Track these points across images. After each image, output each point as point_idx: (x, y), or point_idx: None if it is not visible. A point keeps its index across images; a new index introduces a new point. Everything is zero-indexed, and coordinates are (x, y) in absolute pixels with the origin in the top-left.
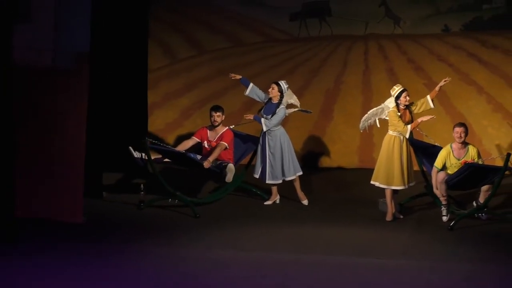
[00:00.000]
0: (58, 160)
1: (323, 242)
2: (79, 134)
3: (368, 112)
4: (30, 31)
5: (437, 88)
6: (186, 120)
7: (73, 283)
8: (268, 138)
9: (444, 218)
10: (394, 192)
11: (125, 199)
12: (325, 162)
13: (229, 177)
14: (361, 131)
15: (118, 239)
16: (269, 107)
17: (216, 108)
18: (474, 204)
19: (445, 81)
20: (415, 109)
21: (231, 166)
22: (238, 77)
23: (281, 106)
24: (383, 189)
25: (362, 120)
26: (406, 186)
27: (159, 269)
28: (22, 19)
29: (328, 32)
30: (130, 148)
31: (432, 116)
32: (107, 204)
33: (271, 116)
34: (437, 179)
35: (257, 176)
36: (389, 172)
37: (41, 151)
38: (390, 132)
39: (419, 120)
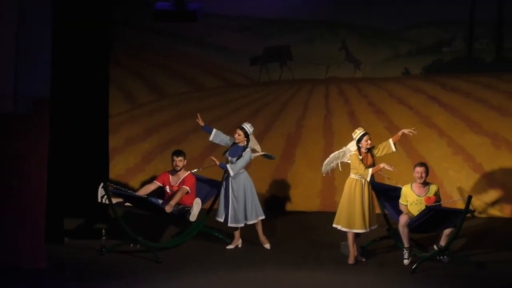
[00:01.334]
0: (19, 205)
1: (285, 287)
2: (40, 178)
3: (330, 156)
4: None
5: (400, 133)
6: (148, 165)
7: None
8: (231, 181)
9: (405, 261)
10: (356, 235)
11: (87, 245)
12: (287, 205)
13: (195, 213)
14: (323, 175)
15: (80, 285)
16: (235, 150)
17: (178, 153)
18: (435, 247)
19: (410, 131)
20: (377, 153)
21: (197, 200)
22: (201, 123)
23: (247, 150)
24: (345, 232)
25: (324, 163)
26: (368, 230)
27: None
28: None
29: (289, 76)
30: (100, 186)
31: (393, 169)
32: (69, 250)
33: (237, 159)
34: (400, 222)
35: (221, 219)
36: (350, 216)
37: (3, 195)
38: (352, 176)
39: (381, 165)
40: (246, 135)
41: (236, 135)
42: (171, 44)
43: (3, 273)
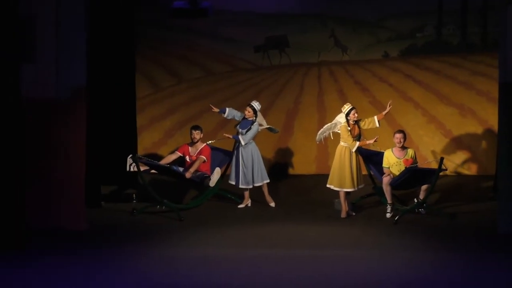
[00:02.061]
0: (62, 176)
1: (287, 238)
2: (79, 155)
3: (324, 127)
4: (34, 68)
5: (384, 113)
6: (170, 139)
7: (79, 283)
8: (242, 150)
9: (388, 215)
10: (347, 193)
11: (120, 207)
12: (288, 170)
13: (214, 180)
14: (318, 143)
15: (115, 243)
16: (245, 123)
17: (195, 127)
18: (415, 200)
19: (389, 106)
20: (363, 125)
21: (218, 169)
22: (216, 110)
23: (256, 123)
24: (338, 191)
25: (318, 133)
26: (356, 188)
27: (151, 268)
28: (28, 59)
29: (287, 61)
30: (128, 157)
31: (375, 138)
32: (105, 212)
33: (246, 131)
34: (383, 182)
35: (233, 182)
36: (341, 177)
37: (48, 169)
38: (342, 143)
39: (367, 142)
40: (255, 111)
41: (246, 112)
42: (186, 37)
43: (50, 234)
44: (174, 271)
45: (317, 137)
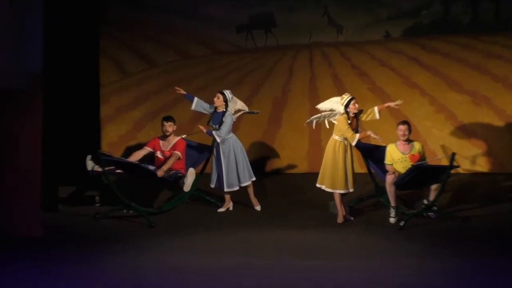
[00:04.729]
0: (15, 176)
1: (275, 246)
2: (34, 150)
3: (321, 113)
4: None
5: (386, 105)
6: (139, 132)
7: None
8: (221, 147)
9: (392, 220)
10: (343, 195)
11: (81, 211)
12: (275, 168)
13: (189, 183)
14: (305, 124)
15: (75, 251)
16: (216, 117)
17: (168, 118)
18: (425, 202)
19: (396, 105)
20: (363, 117)
21: (192, 170)
22: (183, 92)
23: (227, 113)
24: (331, 192)
25: (312, 117)
26: (350, 190)
27: (116, 278)
28: None
29: (273, 43)
30: (88, 158)
31: (379, 138)
32: (64, 217)
33: (219, 126)
34: (386, 181)
35: (213, 186)
36: (334, 177)
37: None
38: (336, 137)
39: (368, 133)
40: (225, 100)
41: (216, 98)
42: (158, 15)
43: (3, 241)
44: (143, 282)
45: (309, 119)
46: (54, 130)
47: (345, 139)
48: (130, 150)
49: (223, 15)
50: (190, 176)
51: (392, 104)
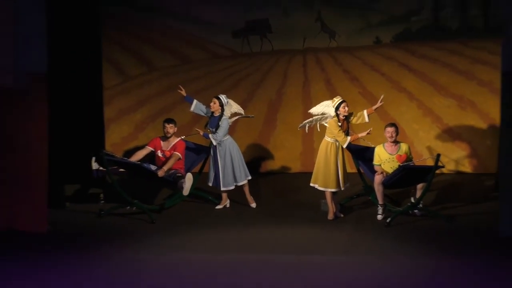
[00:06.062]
0: (22, 174)
1: (270, 242)
2: (41, 148)
3: (313, 117)
4: None
5: (373, 107)
6: (140, 133)
7: None
8: (218, 148)
9: (379, 217)
10: (333, 193)
11: (86, 208)
12: (270, 167)
13: (187, 188)
14: (299, 129)
15: (80, 246)
16: (213, 121)
17: (169, 121)
18: (412, 200)
19: (381, 101)
20: (353, 120)
21: (189, 175)
22: (184, 93)
23: (223, 117)
24: (323, 191)
25: (304, 121)
26: (342, 188)
27: (118, 272)
28: None
29: (269, 48)
30: (92, 159)
31: (368, 131)
32: (70, 214)
33: (216, 129)
34: (375, 181)
35: (210, 184)
36: (326, 176)
37: (6, 166)
38: (328, 139)
39: (359, 135)
40: (221, 104)
41: (212, 103)
42: (159, 21)
43: (8, 237)
44: (143, 277)
45: (302, 124)
46: (60, 131)
47: (337, 140)
48: (132, 150)
49: (221, 20)
50: (188, 181)
51: (377, 105)
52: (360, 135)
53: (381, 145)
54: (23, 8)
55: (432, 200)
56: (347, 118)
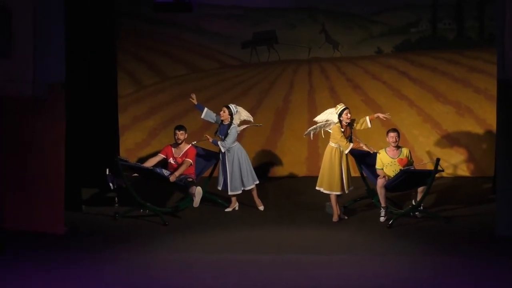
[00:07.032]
0: (41, 178)
1: (277, 243)
2: (58, 154)
3: (317, 124)
4: (10, 64)
5: (375, 115)
6: (153, 140)
7: None
8: (227, 154)
9: (382, 219)
10: (338, 196)
11: (102, 211)
12: (277, 172)
13: (197, 201)
14: (304, 136)
15: (96, 247)
16: (222, 129)
17: (179, 128)
18: (413, 202)
19: (384, 117)
20: (356, 126)
21: (199, 189)
22: (195, 102)
23: (232, 126)
24: (328, 194)
25: (309, 128)
26: (346, 192)
27: (132, 272)
28: (3, 54)
29: (275, 58)
30: (107, 171)
31: (371, 150)
32: (86, 216)
33: (225, 137)
34: (377, 184)
35: (220, 188)
36: (331, 180)
37: (25, 170)
38: (332, 144)
39: (361, 144)
40: (230, 113)
41: (222, 112)
42: (170, 32)
43: (27, 238)
44: (157, 276)
45: (307, 131)
46: (77, 137)
47: (341, 146)
48: (145, 156)
49: (230, 32)
50: (198, 195)
51: (381, 115)
52: (362, 145)
53: (383, 150)
54: (42, 19)
55: (432, 202)
56: (350, 124)
